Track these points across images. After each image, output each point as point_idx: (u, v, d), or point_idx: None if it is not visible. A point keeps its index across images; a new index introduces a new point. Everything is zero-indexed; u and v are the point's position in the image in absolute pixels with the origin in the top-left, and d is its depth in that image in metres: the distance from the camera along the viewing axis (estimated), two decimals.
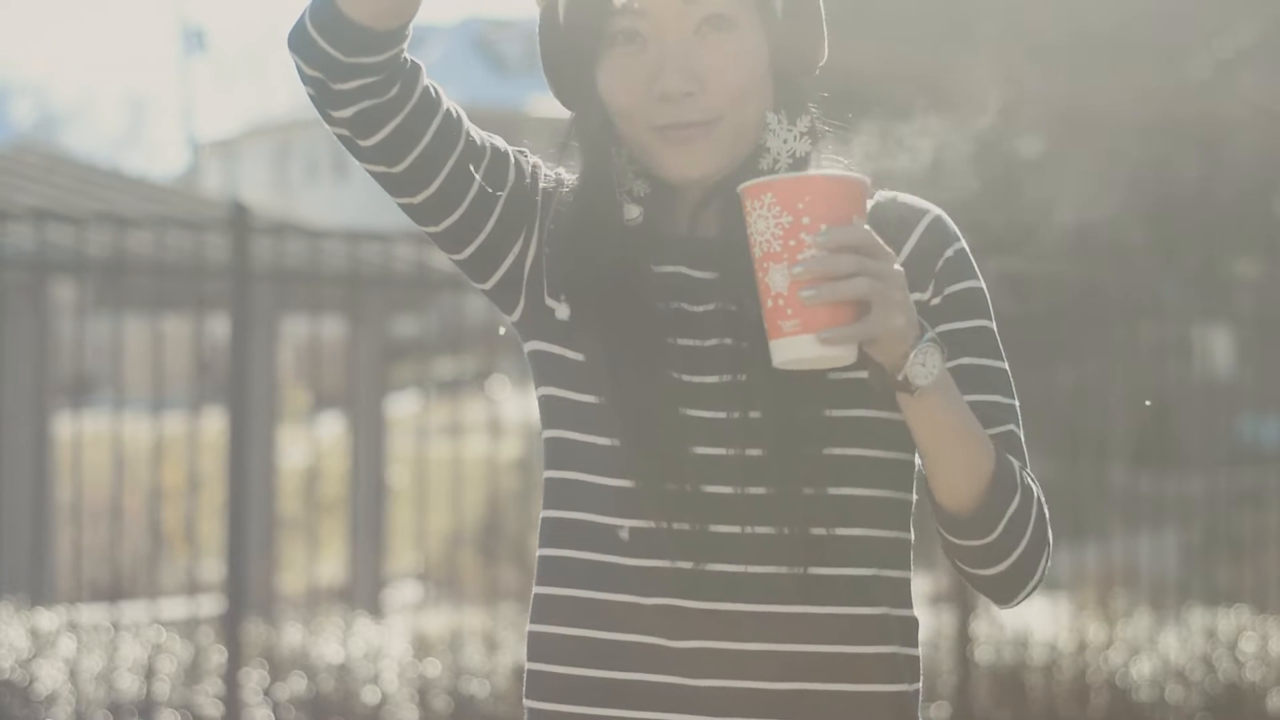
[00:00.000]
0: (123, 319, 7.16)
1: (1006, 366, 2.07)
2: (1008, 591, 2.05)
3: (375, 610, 9.74)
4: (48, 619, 7.06)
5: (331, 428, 15.19)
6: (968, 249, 2.09)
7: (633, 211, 2.05)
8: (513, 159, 2.10)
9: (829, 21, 2.12)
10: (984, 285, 2.09)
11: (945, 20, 21.93)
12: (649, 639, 2.01)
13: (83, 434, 7.35)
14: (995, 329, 2.08)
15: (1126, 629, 8.35)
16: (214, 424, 9.45)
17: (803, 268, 1.84)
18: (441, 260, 10.32)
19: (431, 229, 2.07)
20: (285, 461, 12.73)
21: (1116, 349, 8.89)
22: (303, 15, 1.99)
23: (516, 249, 2.09)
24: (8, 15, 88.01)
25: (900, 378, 1.89)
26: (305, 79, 2.00)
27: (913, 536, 2.09)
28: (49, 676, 6.70)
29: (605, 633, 2.03)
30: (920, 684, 2.09)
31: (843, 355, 1.87)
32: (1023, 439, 2.05)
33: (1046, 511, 2.05)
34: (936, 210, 2.09)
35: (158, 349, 7.06)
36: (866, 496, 2.02)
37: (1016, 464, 2.00)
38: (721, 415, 2.00)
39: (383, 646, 7.24)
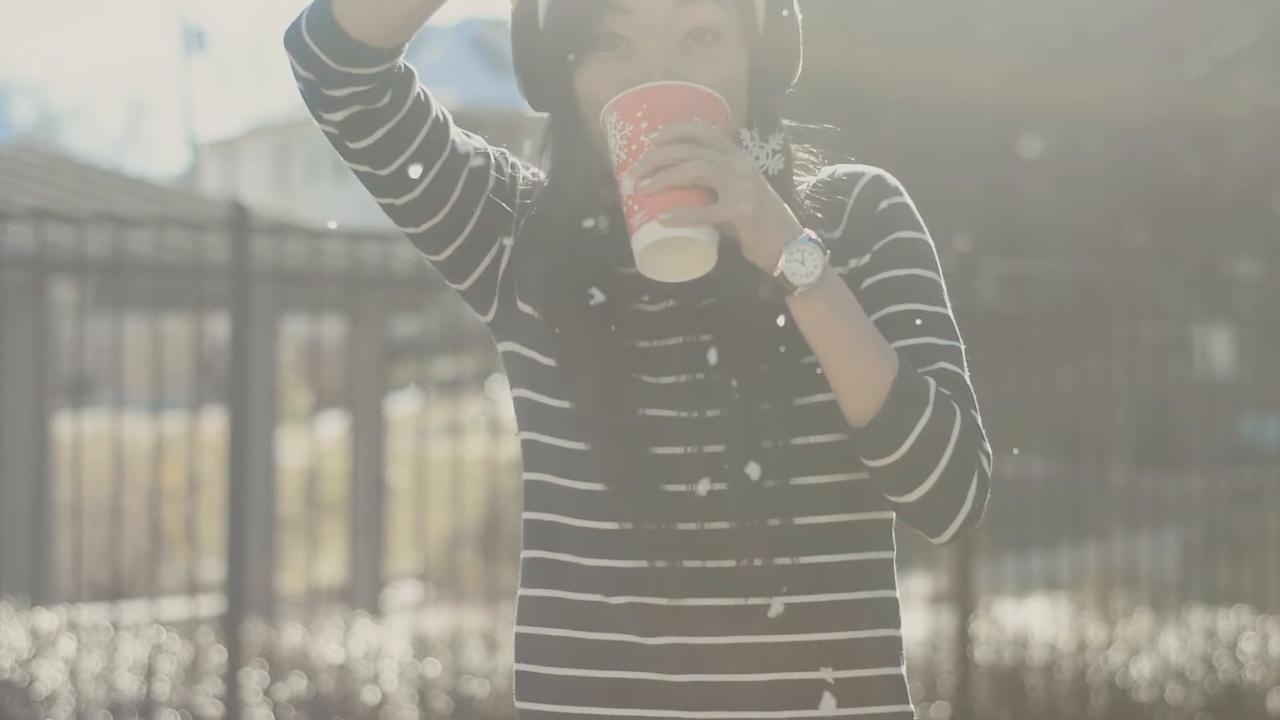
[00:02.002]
0: (123, 319, 7.16)
1: (946, 311, 2.04)
2: (935, 521, 1.98)
3: (375, 610, 9.73)
4: (48, 619, 7.06)
5: (331, 428, 15.19)
6: (910, 204, 2.07)
7: (602, 222, 2.03)
8: (493, 162, 2.10)
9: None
10: (927, 238, 2.07)
11: (946, 21, 21.93)
12: (622, 637, 2.02)
13: (83, 434, 7.35)
14: (938, 279, 2.05)
15: (1126, 629, 8.35)
16: (214, 424, 9.45)
17: (639, 162, 1.88)
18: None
19: (411, 230, 2.08)
20: (285, 461, 12.72)
21: (1116, 349, 8.89)
22: (300, 17, 1.98)
23: (493, 252, 2.09)
24: (8, 15, 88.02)
25: (777, 275, 1.89)
26: (298, 78, 2.00)
27: (893, 516, 2.06)
28: (49, 676, 6.70)
29: (582, 632, 2.04)
30: (904, 667, 2.08)
31: (696, 241, 1.88)
32: (965, 378, 2.01)
33: (986, 446, 1.99)
34: (874, 170, 2.09)
35: (158, 349, 7.06)
36: (833, 483, 2.01)
37: (934, 384, 1.96)
38: (683, 414, 2.00)
39: (383, 646, 7.24)
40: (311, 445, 8.74)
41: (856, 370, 1.93)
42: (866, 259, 2.04)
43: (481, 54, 48.63)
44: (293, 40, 1.98)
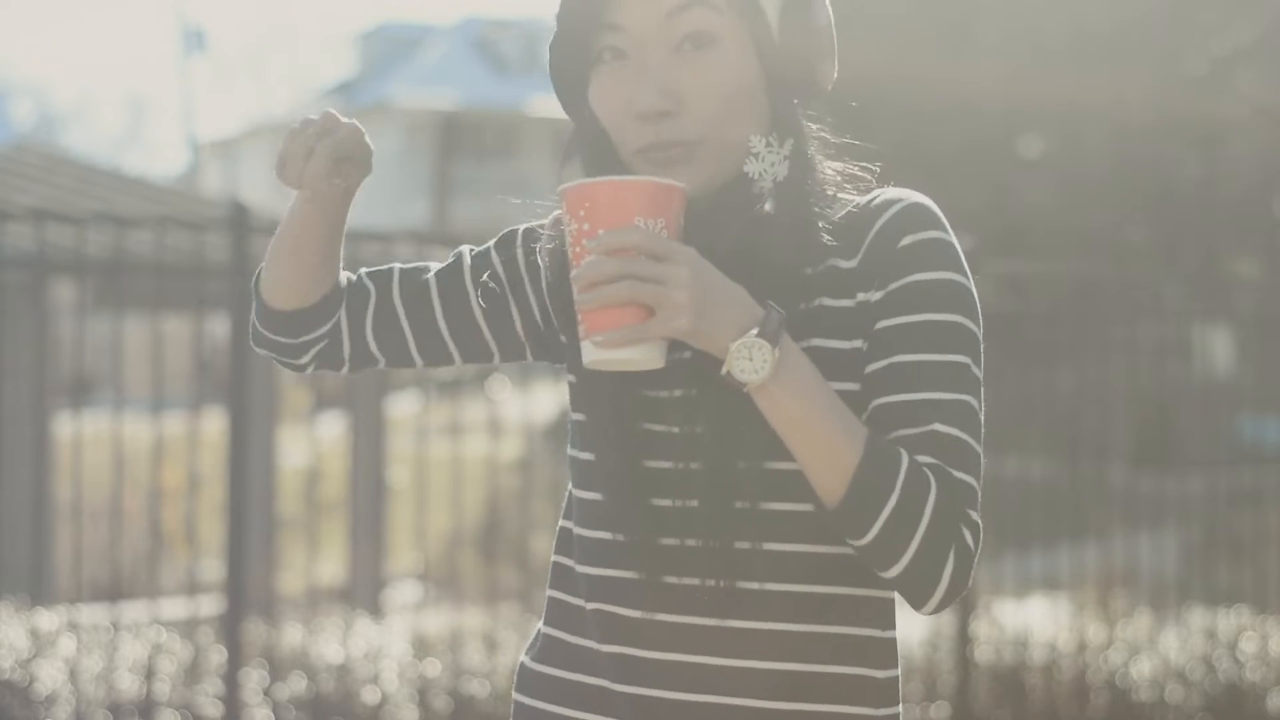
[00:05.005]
0: (123, 319, 7.16)
1: (960, 359, 1.96)
2: (915, 595, 1.94)
3: (375, 610, 9.74)
4: (48, 619, 7.05)
5: (331, 428, 15.18)
6: (941, 238, 1.98)
7: None
8: (467, 267, 2.21)
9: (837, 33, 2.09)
10: (954, 276, 1.98)
11: (945, 21, 21.93)
12: (588, 643, 2.07)
13: (83, 434, 7.34)
14: (959, 321, 1.97)
15: (1126, 629, 8.35)
16: (214, 424, 9.45)
17: (577, 274, 1.86)
18: (441, 260, 10.32)
19: (447, 366, 2.24)
20: (285, 461, 12.72)
21: (1116, 349, 8.89)
22: (253, 320, 2.23)
23: (519, 323, 2.19)
24: (8, 15, 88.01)
25: (725, 373, 1.86)
26: (281, 365, 2.28)
27: None
28: (49, 676, 6.70)
29: (569, 635, 2.10)
30: (894, 709, 2.06)
31: (635, 357, 1.86)
32: (963, 437, 1.94)
33: (972, 515, 1.93)
34: (911, 199, 2.00)
35: (158, 349, 7.06)
36: (800, 511, 1.99)
37: (907, 460, 1.90)
38: (673, 429, 2.01)
39: (383, 646, 7.24)
40: (311, 445, 8.73)
41: (818, 456, 1.89)
42: (879, 296, 1.98)
43: (481, 54, 48.61)
44: (257, 339, 2.23)
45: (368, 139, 2.07)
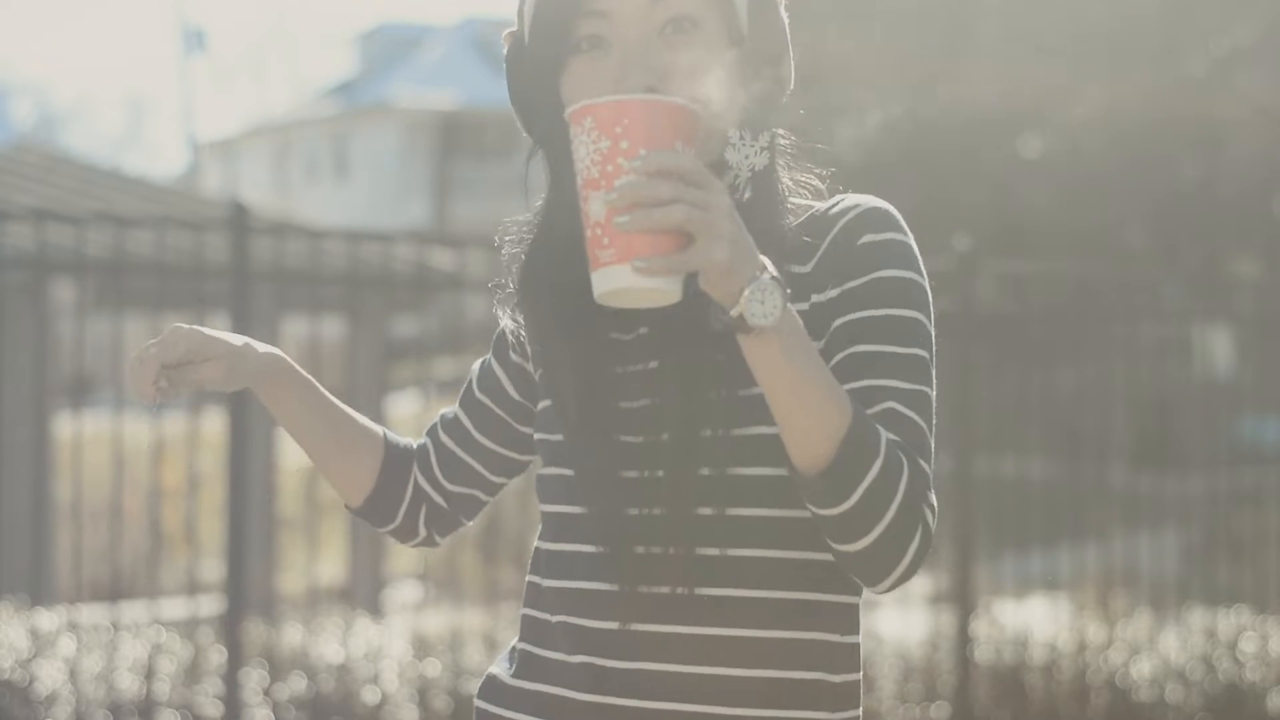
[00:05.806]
0: (123, 319, 7.16)
1: (920, 353, 1.96)
2: (875, 572, 1.91)
3: (375, 610, 9.74)
4: (48, 619, 7.05)
5: None
6: (900, 239, 1.99)
7: None
8: (475, 378, 2.27)
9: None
10: (913, 275, 1.98)
11: (946, 21, 21.92)
12: (558, 655, 2.06)
13: (83, 434, 7.34)
14: (917, 317, 1.97)
15: (1126, 629, 8.35)
16: (214, 424, 9.45)
17: (617, 193, 1.73)
18: (441, 260, 10.35)
19: (523, 471, 2.30)
20: (285, 461, 12.72)
21: (1116, 349, 8.89)
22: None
23: (525, 366, 2.23)
24: (8, 15, 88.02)
25: (735, 315, 1.76)
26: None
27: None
28: (49, 676, 6.70)
29: (540, 649, 2.10)
30: (854, 712, 2.05)
31: (664, 288, 1.76)
32: (919, 423, 1.93)
33: (932, 498, 1.92)
34: (870, 204, 2.01)
35: None
36: (765, 516, 1.98)
37: (887, 435, 1.87)
38: (641, 439, 2.01)
39: (383, 646, 7.24)
40: None
41: (806, 417, 1.83)
42: (834, 294, 1.98)
43: (481, 54, 48.62)
44: (395, 540, 2.35)
45: (208, 333, 2.13)
